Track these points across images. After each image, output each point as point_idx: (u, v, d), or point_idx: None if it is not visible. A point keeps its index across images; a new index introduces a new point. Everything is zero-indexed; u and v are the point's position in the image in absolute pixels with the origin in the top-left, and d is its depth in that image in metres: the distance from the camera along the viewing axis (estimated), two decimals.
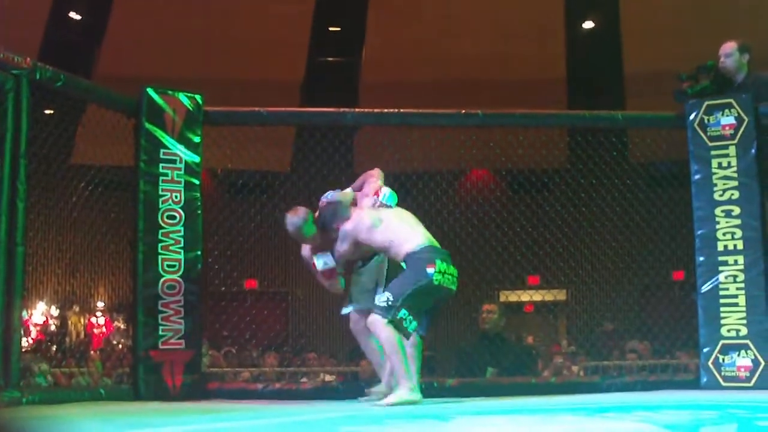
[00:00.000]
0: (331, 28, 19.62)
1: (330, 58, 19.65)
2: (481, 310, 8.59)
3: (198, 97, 7.49)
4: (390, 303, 6.06)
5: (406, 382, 6.00)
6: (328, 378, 10.56)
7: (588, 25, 19.79)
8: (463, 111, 8.02)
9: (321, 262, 6.44)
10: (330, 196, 6.60)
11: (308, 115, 8.74)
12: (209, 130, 7.65)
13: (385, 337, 6.03)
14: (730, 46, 7.96)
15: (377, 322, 6.05)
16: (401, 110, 8.00)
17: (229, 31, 17.64)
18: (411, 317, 6.06)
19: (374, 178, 6.76)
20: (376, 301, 6.16)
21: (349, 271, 6.68)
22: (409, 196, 9.79)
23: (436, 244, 6.32)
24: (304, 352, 13.87)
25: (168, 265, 7.11)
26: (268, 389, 7.36)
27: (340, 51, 19.71)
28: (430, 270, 6.07)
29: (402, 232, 6.29)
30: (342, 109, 8.09)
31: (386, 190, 6.62)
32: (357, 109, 8.67)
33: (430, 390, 6.96)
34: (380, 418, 4.77)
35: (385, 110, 8.03)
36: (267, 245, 12.69)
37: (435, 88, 16.59)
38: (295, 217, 6.46)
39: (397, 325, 6.01)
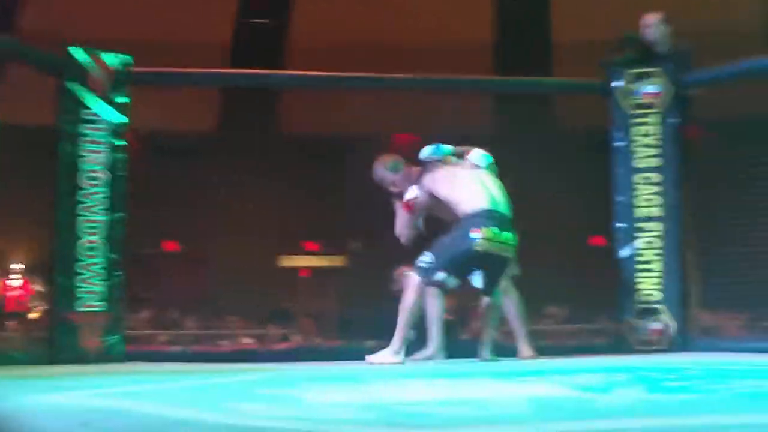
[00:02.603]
0: None
1: (258, 19, 19.47)
2: (394, 274, 8.58)
3: (126, 58, 7.36)
4: (429, 264, 6.15)
5: (394, 345, 6.22)
6: (246, 341, 10.52)
7: None
8: (390, 75, 8.00)
9: (413, 194, 6.55)
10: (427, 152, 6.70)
11: (235, 76, 8.68)
12: (136, 91, 7.54)
13: (409, 298, 6.18)
14: (653, 17, 8.04)
15: (411, 280, 6.22)
16: (328, 73, 7.95)
17: None
18: (453, 280, 6.16)
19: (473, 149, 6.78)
20: (419, 260, 6.23)
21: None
22: (334, 159, 9.78)
23: (503, 210, 6.30)
24: (224, 314, 13.77)
25: (88, 227, 7.01)
26: (186, 352, 7.32)
27: (269, 12, 19.52)
28: (474, 234, 6.06)
29: (467, 191, 6.31)
30: (269, 71, 8.03)
31: (477, 151, 6.67)
32: (285, 71, 8.60)
33: (348, 352, 7.00)
34: (296, 380, 4.77)
35: (313, 73, 7.97)
36: (188, 207, 12.58)
37: (363, 52, 16.52)
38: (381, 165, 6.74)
39: (435, 287, 6.12)
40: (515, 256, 6.38)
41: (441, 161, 6.64)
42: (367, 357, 6.33)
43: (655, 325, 7.30)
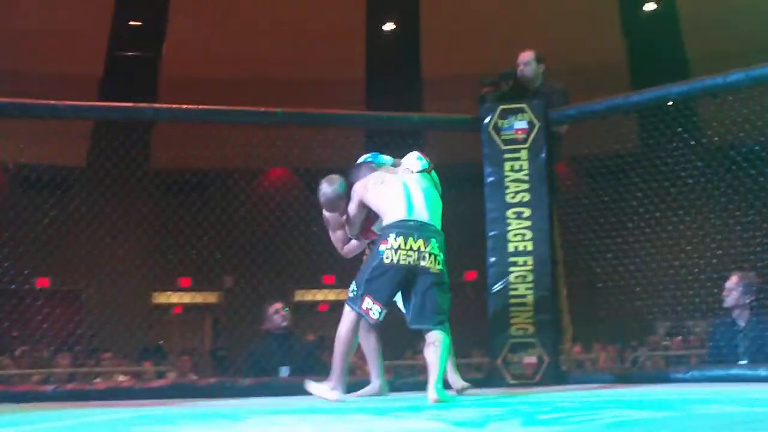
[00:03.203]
0: (131, 22, 19.26)
1: (130, 52, 19.29)
2: (268, 310, 8.55)
3: None
4: (354, 293, 5.78)
5: (332, 381, 5.83)
6: (121, 378, 10.37)
7: (389, 27, 20.03)
8: (263, 109, 7.98)
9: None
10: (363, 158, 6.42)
11: (105, 109, 8.49)
12: (2, 123, 7.38)
13: (342, 330, 5.81)
14: (528, 55, 8.21)
15: (344, 312, 5.83)
16: (200, 107, 7.88)
17: (26, 22, 17.10)
18: (378, 307, 5.66)
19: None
20: (349, 292, 5.87)
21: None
22: (206, 193, 9.74)
23: (422, 219, 5.76)
24: (99, 352, 13.59)
25: None
26: (60, 390, 7.14)
27: (141, 45, 19.37)
28: (382, 247, 5.63)
29: (390, 201, 5.86)
30: (141, 104, 7.92)
31: (412, 155, 6.24)
32: (156, 105, 8.50)
33: (222, 390, 6.93)
34: (172, 417, 4.71)
35: (184, 106, 7.88)
36: (60, 242, 12.36)
37: (235, 87, 16.50)
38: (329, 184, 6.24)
39: (363, 316, 5.72)
40: (443, 270, 5.79)
41: (372, 168, 6.25)
42: (306, 383, 6.04)
43: (529, 359, 7.39)
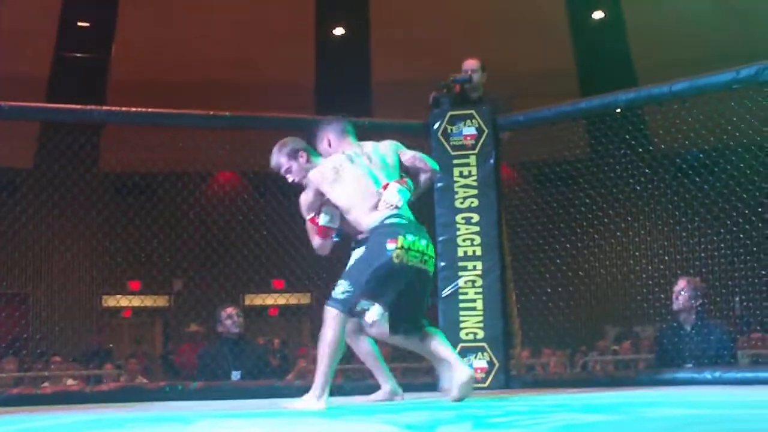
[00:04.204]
0: (80, 23, 19.12)
1: (78, 54, 19.15)
2: (221, 314, 8.55)
3: None
4: (347, 294, 5.33)
5: (317, 390, 5.31)
6: (70, 382, 10.29)
7: (338, 31, 20.05)
8: (211, 112, 7.97)
9: (326, 218, 5.77)
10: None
11: (53, 111, 8.43)
12: None
13: (329, 335, 5.27)
14: (473, 63, 8.23)
15: (329, 314, 5.29)
16: (149, 110, 7.85)
17: None
18: (380, 309, 5.47)
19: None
20: (333, 292, 5.38)
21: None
22: (155, 195, 9.71)
23: (409, 214, 5.54)
24: (46, 356, 13.47)
25: None
26: (5, 395, 7.07)
27: (89, 47, 19.23)
28: (390, 246, 5.30)
29: (366, 196, 5.55)
30: (89, 107, 7.88)
31: (387, 143, 5.93)
32: (104, 107, 8.45)
33: (174, 393, 6.91)
34: (121, 421, 4.69)
35: (133, 109, 7.85)
36: (7, 244, 12.25)
37: (184, 89, 16.45)
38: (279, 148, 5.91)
39: (359, 318, 5.44)
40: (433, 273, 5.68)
41: (339, 141, 5.87)
42: (284, 405, 5.46)
43: (480, 363, 7.44)
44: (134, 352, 14.14)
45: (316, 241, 5.86)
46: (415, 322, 5.65)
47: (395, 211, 5.46)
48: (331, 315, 5.30)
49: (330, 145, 5.92)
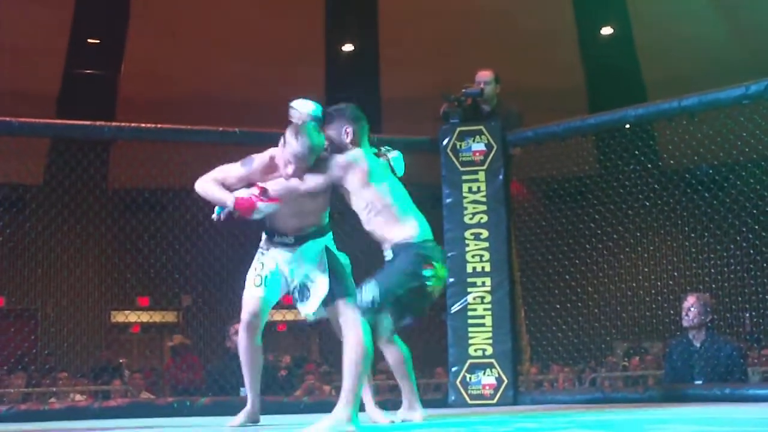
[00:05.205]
0: (90, 40, 19.17)
1: (88, 71, 19.19)
2: (229, 330, 8.51)
3: None
4: (371, 304, 5.02)
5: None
6: (78, 398, 10.27)
7: (348, 48, 20.07)
8: (221, 129, 7.97)
9: (269, 209, 5.09)
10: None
11: (63, 127, 8.44)
12: None
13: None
14: (487, 74, 8.19)
15: (355, 323, 4.67)
16: (158, 126, 7.85)
17: None
18: (393, 323, 5.22)
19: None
20: (361, 297, 4.98)
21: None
22: (165, 212, 9.72)
23: (432, 238, 5.29)
24: (55, 371, 13.47)
25: None
26: (13, 411, 7.05)
27: (99, 63, 19.27)
28: (427, 271, 5.09)
29: (399, 209, 5.22)
30: (98, 123, 7.89)
31: (395, 153, 5.61)
32: (114, 123, 8.46)
33: (182, 409, 6.92)
34: None
35: (142, 125, 7.85)
36: (16, 260, 12.28)
37: (193, 106, 16.47)
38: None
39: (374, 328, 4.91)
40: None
41: (359, 138, 5.42)
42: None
43: (488, 380, 7.42)
44: (141, 367, 14.15)
45: (227, 200, 5.21)
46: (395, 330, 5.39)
47: (429, 236, 5.25)
48: (356, 323, 4.69)
49: (350, 139, 5.38)
